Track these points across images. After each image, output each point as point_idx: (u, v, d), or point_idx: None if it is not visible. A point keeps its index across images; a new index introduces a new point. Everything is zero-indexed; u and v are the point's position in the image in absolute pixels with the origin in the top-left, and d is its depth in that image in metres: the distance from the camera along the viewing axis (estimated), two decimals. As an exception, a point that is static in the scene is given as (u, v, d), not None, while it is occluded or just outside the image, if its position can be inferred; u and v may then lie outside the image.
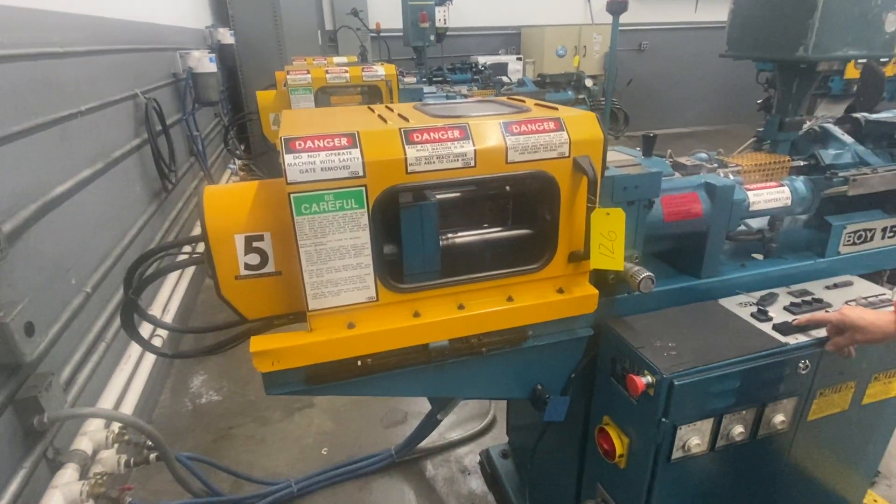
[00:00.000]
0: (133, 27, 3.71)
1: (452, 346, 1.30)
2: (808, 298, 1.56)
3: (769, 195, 1.65)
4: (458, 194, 1.41)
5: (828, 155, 1.81)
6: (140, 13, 3.89)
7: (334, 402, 3.13)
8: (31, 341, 1.76)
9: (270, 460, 2.76)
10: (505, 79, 6.16)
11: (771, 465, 1.55)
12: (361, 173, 1.09)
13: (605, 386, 1.51)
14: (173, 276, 3.61)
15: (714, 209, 1.54)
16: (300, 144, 1.07)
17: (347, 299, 1.18)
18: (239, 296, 1.20)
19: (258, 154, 6.36)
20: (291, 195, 1.07)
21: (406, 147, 1.12)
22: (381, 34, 7.35)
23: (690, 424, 1.34)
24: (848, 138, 1.86)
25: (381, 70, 3.85)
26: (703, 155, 1.83)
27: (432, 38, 6.61)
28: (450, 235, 1.34)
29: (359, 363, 1.25)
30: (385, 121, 1.23)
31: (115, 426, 2.16)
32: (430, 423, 2.46)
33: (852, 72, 5.52)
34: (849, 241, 1.75)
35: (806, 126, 1.93)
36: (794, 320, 1.44)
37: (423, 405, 2.95)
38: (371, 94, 3.98)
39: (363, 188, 1.10)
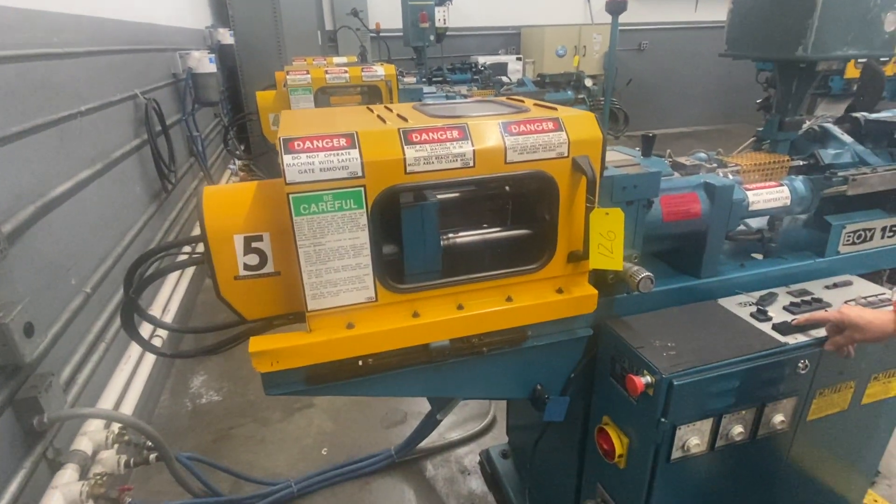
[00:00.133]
0: (132, 28, 3.72)
1: (453, 345, 1.30)
2: (807, 298, 1.56)
3: (768, 195, 1.65)
4: (457, 194, 1.41)
5: (827, 154, 1.81)
6: (140, 14, 3.89)
7: (334, 402, 3.13)
8: (31, 342, 1.76)
9: (270, 460, 2.76)
10: (505, 79, 6.16)
11: (771, 465, 1.55)
12: (360, 174, 1.09)
13: (604, 386, 1.51)
14: (173, 276, 3.61)
15: (713, 209, 1.54)
16: (299, 145, 1.07)
17: (346, 300, 1.18)
18: (238, 296, 1.20)
19: (258, 154, 6.37)
20: (290, 195, 1.07)
21: (405, 147, 1.12)
22: (381, 34, 7.35)
23: (690, 424, 1.34)
24: (847, 138, 1.86)
25: (380, 70, 3.85)
26: (703, 155, 1.83)
27: (432, 38, 6.61)
28: (451, 235, 1.34)
29: (360, 363, 1.25)
30: (384, 121, 1.23)
31: (115, 426, 2.16)
32: (429, 424, 2.46)
33: (852, 71, 5.51)
34: (848, 240, 1.75)
35: (805, 126, 1.93)
36: (793, 320, 1.44)
37: (422, 405, 2.95)
38: (371, 94, 3.98)
39: (362, 188, 1.10)
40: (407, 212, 1.23)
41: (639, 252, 1.48)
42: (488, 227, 1.41)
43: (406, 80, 5.16)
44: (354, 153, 1.09)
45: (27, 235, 1.97)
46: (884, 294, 1.60)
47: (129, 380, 2.61)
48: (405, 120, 1.23)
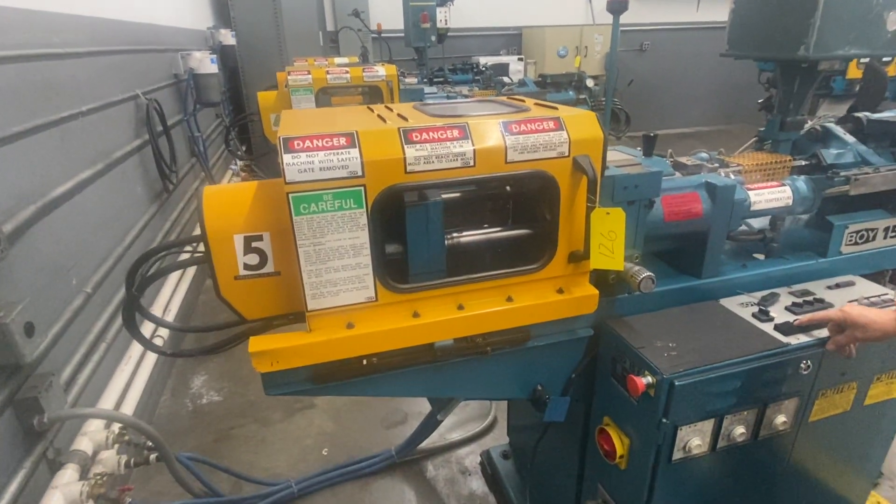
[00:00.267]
0: (134, 28, 3.72)
1: (457, 345, 1.30)
2: (809, 298, 1.55)
3: (770, 195, 1.65)
4: (457, 194, 1.41)
5: (829, 154, 1.80)
6: (141, 14, 3.89)
7: (335, 402, 3.12)
8: (32, 342, 1.76)
9: (271, 461, 2.76)
10: (506, 79, 6.16)
11: (772, 466, 1.54)
12: (360, 173, 1.09)
13: (605, 386, 1.50)
14: (174, 276, 3.61)
15: (715, 209, 1.54)
16: (299, 144, 1.07)
17: (346, 299, 1.18)
18: (238, 296, 1.20)
19: (259, 155, 6.37)
20: (290, 195, 1.06)
21: (405, 147, 1.12)
22: (383, 35, 7.36)
23: (691, 425, 1.33)
24: (850, 138, 1.86)
25: (381, 70, 3.85)
26: (704, 154, 1.83)
27: (433, 38, 6.61)
28: (455, 235, 1.34)
29: (364, 362, 1.25)
30: (384, 120, 1.23)
31: (116, 426, 2.16)
32: (430, 424, 2.46)
33: (854, 72, 5.51)
34: (851, 240, 1.74)
35: (807, 126, 1.92)
36: (795, 320, 1.44)
37: (423, 405, 2.95)
38: (372, 94, 3.98)
39: (362, 188, 1.10)
40: (411, 211, 1.22)
41: (640, 252, 1.47)
42: (489, 227, 1.41)
43: (407, 80, 5.16)
44: (354, 152, 1.09)
45: (28, 235, 1.97)
46: (886, 294, 1.59)
47: (130, 380, 2.61)
48: (405, 119, 1.22)
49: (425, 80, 6.13)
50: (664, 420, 1.29)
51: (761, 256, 1.75)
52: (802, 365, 1.38)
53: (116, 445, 2.11)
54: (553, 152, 1.20)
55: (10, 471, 1.72)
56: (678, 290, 1.58)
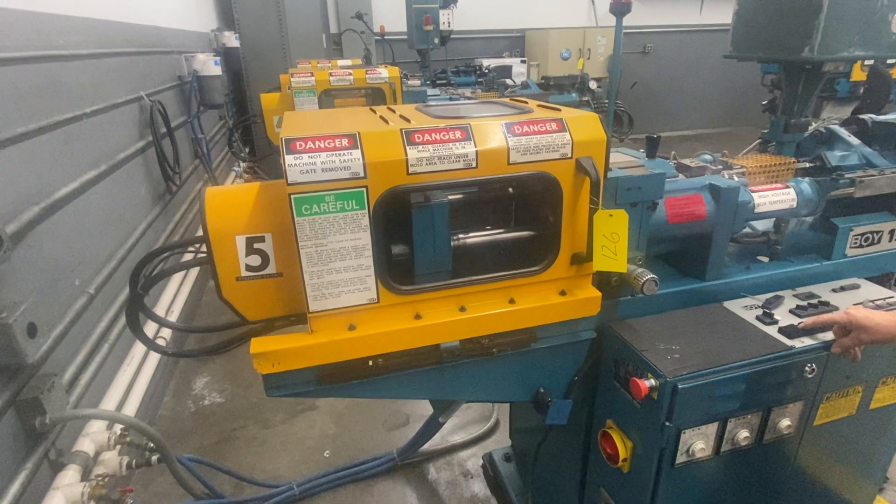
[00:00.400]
0: (139, 30, 3.74)
1: (463, 346, 1.30)
2: (814, 301, 1.54)
3: (774, 197, 1.64)
4: (460, 196, 1.40)
5: (834, 156, 1.79)
6: (146, 16, 3.91)
7: (336, 404, 3.12)
8: (34, 342, 1.76)
9: (272, 463, 2.75)
10: (509, 81, 6.15)
11: (777, 470, 1.53)
12: (362, 174, 1.09)
13: (608, 389, 1.50)
14: (177, 277, 3.62)
15: (718, 211, 1.53)
16: (301, 145, 1.07)
17: (348, 301, 1.17)
18: (240, 297, 1.20)
19: (263, 156, 6.40)
20: (292, 196, 1.06)
21: (407, 148, 1.12)
22: (386, 37, 7.37)
23: (695, 429, 1.32)
24: (854, 140, 1.85)
25: (384, 72, 3.86)
26: (708, 156, 1.82)
27: (436, 40, 6.61)
28: (460, 236, 1.33)
29: (370, 363, 1.25)
30: (386, 122, 1.23)
31: (118, 428, 2.16)
32: (432, 426, 2.45)
33: (859, 74, 5.49)
34: (855, 243, 1.73)
35: (812, 128, 1.91)
36: (799, 323, 1.43)
37: (425, 408, 2.94)
38: (375, 96, 3.98)
39: (364, 189, 1.10)
40: (418, 211, 1.22)
41: (643, 254, 1.47)
42: (491, 229, 1.40)
43: (410, 82, 5.16)
44: (356, 153, 1.08)
45: (31, 236, 1.97)
46: (892, 297, 1.58)
47: (133, 381, 2.61)
48: (407, 121, 1.22)
49: (428, 82, 6.13)
50: (667, 423, 1.28)
51: (765, 259, 1.74)
52: (807, 368, 1.37)
53: (118, 447, 2.11)
54: (556, 154, 1.20)
55: (12, 472, 1.72)
56: (681, 292, 1.57)
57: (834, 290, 1.63)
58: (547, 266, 1.29)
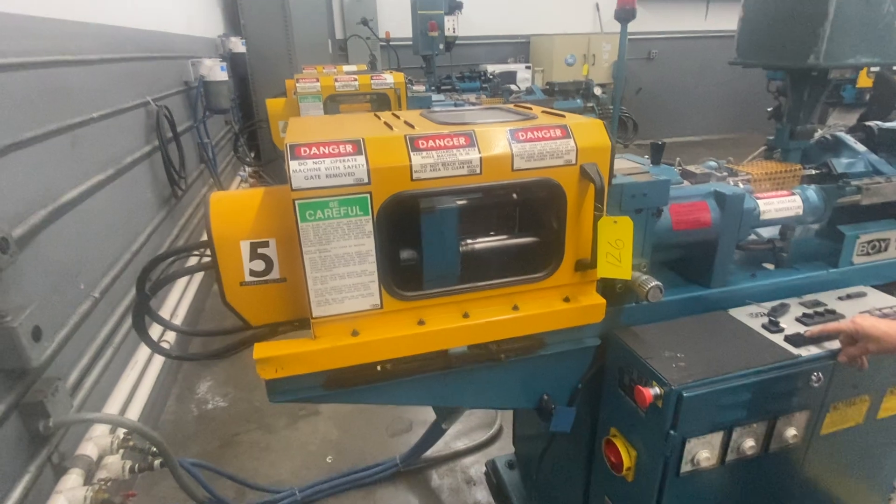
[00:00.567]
0: (146, 36, 3.77)
1: (471, 351, 1.30)
2: (820, 309, 1.53)
3: (780, 204, 1.63)
4: (464, 201, 1.40)
5: (840, 163, 1.78)
6: (154, 22, 3.94)
7: (339, 409, 3.11)
8: (39, 346, 1.77)
9: (275, 468, 2.75)
10: (514, 87, 6.16)
11: (783, 480, 1.51)
12: (366, 180, 1.09)
13: (612, 397, 1.49)
14: (182, 281, 3.63)
15: (724, 218, 1.52)
16: (305, 151, 1.07)
17: (351, 306, 1.17)
18: (244, 302, 1.20)
19: (268, 161, 6.42)
20: (296, 202, 1.06)
21: (411, 154, 1.12)
22: (391, 43, 7.41)
23: (700, 437, 1.31)
24: (861, 147, 1.84)
25: (389, 78, 3.87)
26: (713, 163, 1.81)
27: (441, 46, 6.64)
28: (469, 241, 1.33)
29: (378, 367, 1.25)
30: (391, 128, 1.23)
31: (121, 432, 2.16)
32: (435, 433, 2.44)
33: (865, 80, 5.47)
34: (862, 251, 1.72)
35: (817, 134, 1.90)
36: (806, 332, 1.42)
37: (428, 414, 2.93)
38: (380, 102, 3.99)
39: (368, 195, 1.10)
40: (427, 216, 1.22)
41: (648, 261, 1.46)
42: (495, 235, 1.40)
43: (415, 88, 5.19)
44: (360, 160, 1.09)
45: (38, 239, 1.98)
46: (899, 306, 1.57)
47: (136, 385, 2.62)
48: (412, 127, 1.22)
49: (433, 87, 6.15)
50: (672, 432, 1.27)
51: (771, 266, 1.73)
52: (813, 377, 1.35)
53: (121, 451, 2.11)
54: (560, 160, 1.20)
55: (15, 475, 1.73)
56: (686, 299, 1.56)
57: (840, 298, 1.62)
58: (551, 272, 1.29)
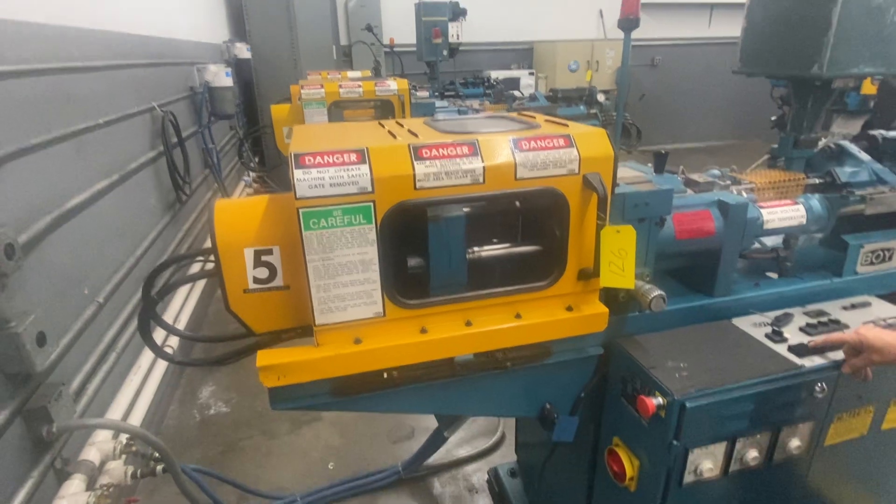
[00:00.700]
0: (152, 42, 3.79)
1: (477, 360, 1.30)
2: (824, 319, 1.53)
3: (784, 213, 1.63)
4: (467, 210, 1.40)
5: (844, 173, 1.78)
6: (159, 29, 3.97)
7: (341, 416, 3.11)
8: (43, 351, 1.78)
9: (277, 474, 2.75)
10: (517, 93, 6.17)
11: (786, 491, 1.50)
12: (370, 189, 1.09)
13: (615, 406, 1.48)
14: (184, 287, 3.64)
15: (727, 227, 1.52)
16: (310, 160, 1.08)
17: (354, 314, 1.17)
18: (247, 309, 1.20)
19: (272, 167, 6.45)
20: (300, 210, 1.07)
21: (415, 163, 1.12)
22: (395, 49, 7.44)
23: (703, 448, 1.31)
24: (865, 156, 1.83)
25: (393, 84, 3.88)
26: (716, 171, 1.81)
27: (445, 53, 6.66)
28: (475, 249, 1.33)
29: (385, 375, 1.25)
30: (394, 136, 1.24)
31: (123, 437, 2.16)
32: (437, 440, 2.44)
33: (869, 87, 5.47)
34: (866, 260, 1.71)
35: (821, 143, 1.90)
36: (809, 342, 1.41)
37: (430, 421, 2.92)
38: (384, 108, 4.01)
39: (371, 204, 1.10)
40: (434, 225, 1.22)
41: (651, 270, 1.46)
42: (498, 243, 1.40)
43: (419, 94, 5.20)
44: (364, 169, 1.09)
45: (42, 245, 2.00)
46: (904, 316, 1.56)
47: (139, 390, 2.62)
48: (415, 135, 1.23)
49: (437, 94, 6.17)
50: (675, 442, 1.27)
51: (775, 275, 1.72)
52: (817, 388, 1.35)
53: (124, 456, 2.11)
54: (563, 170, 1.20)
55: (18, 480, 1.73)
56: (690, 308, 1.56)
57: (844, 308, 1.62)
58: (554, 281, 1.29)
